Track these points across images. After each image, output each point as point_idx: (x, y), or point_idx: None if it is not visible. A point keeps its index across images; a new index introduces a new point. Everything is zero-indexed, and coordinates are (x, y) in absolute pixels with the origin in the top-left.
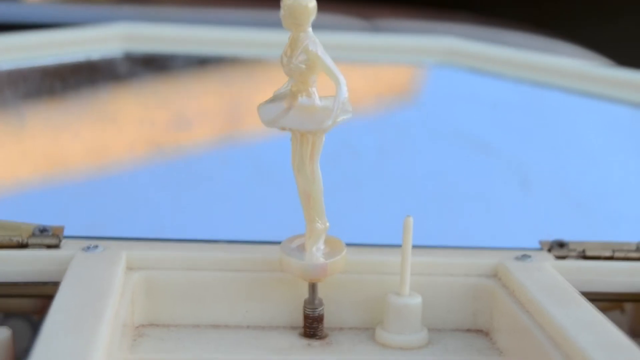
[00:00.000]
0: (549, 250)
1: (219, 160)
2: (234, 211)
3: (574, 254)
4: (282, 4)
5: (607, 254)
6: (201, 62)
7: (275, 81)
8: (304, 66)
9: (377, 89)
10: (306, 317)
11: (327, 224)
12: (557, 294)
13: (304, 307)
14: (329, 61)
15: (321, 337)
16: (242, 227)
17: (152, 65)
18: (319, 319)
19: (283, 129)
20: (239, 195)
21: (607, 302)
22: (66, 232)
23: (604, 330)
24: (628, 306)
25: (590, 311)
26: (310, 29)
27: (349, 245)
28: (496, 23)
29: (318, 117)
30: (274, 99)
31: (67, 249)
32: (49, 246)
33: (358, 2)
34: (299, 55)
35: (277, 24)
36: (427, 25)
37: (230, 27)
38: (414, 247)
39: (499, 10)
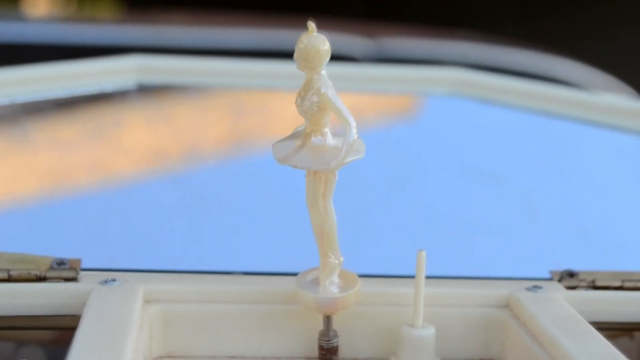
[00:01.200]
0: (560, 280)
1: (233, 191)
2: (249, 242)
3: (584, 284)
4: (296, 47)
5: (617, 283)
6: (213, 93)
7: (288, 112)
8: (315, 108)
9: (385, 119)
10: (321, 348)
11: (341, 259)
12: (569, 325)
13: (319, 338)
14: (339, 104)
15: None
16: (258, 259)
17: (164, 95)
18: (334, 350)
19: (295, 166)
20: (254, 226)
21: (617, 330)
22: (83, 263)
23: None
24: (637, 334)
25: (603, 343)
26: (323, 72)
27: (362, 276)
28: (498, 40)
29: (327, 157)
30: (289, 137)
31: (85, 282)
32: (67, 279)
33: (363, 22)
34: (311, 97)
35: (281, 43)
36: (431, 44)
37: (244, 49)
38: (426, 277)
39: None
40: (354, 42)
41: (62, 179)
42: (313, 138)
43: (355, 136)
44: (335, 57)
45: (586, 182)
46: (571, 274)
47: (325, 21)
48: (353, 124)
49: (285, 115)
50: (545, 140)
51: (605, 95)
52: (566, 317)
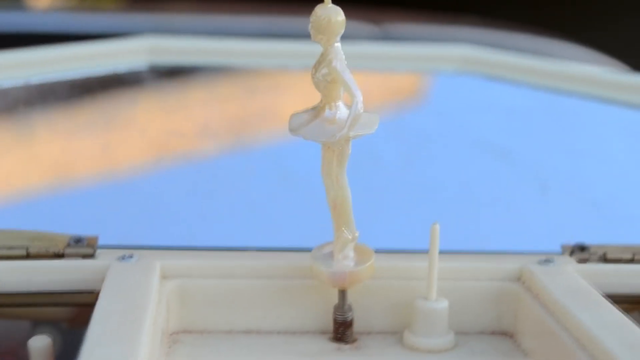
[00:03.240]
0: (571, 254)
1: (244, 167)
2: (265, 219)
3: (595, 257)
4: (311, 17)
5: (628, 256)
6: (225, 73)
7: (299, 90)
8: (325, 80)
9: (394, 97)
10: (336, 322)
11: (356, 233)
12: (581, 296)
13: (334, 312)
14: (347, 76)
15: (350, 342)
16: (274, 234)
17: (176, 76)
18: (349, 324)
19: (303, 137)
20: (270, 202)
21: (629, 304)
22: (100, 242)
23: (630, 332)
24: None
25: (615, 313)
26: (337, 44)
27: (377, 251)
28: (503, 26)
29: (334, 130)
30: (308, 110)
31: (102, 258)
32: (85, 256)
33: (367, 8)
34: (322, 69)
35: (287, 31)
36: (436, 29)
37: (250, 37)
38: (440, 252)
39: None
40: (358, 28)
41: (77, 162)
42: (327, 111)
43: (361, 110)
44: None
45: (596, 156)
46: (582, 248)
47: None
48: (359, 97)
49: (298, 93)
50: (554, 116)
51: (610, 70)
52: (578, 289)
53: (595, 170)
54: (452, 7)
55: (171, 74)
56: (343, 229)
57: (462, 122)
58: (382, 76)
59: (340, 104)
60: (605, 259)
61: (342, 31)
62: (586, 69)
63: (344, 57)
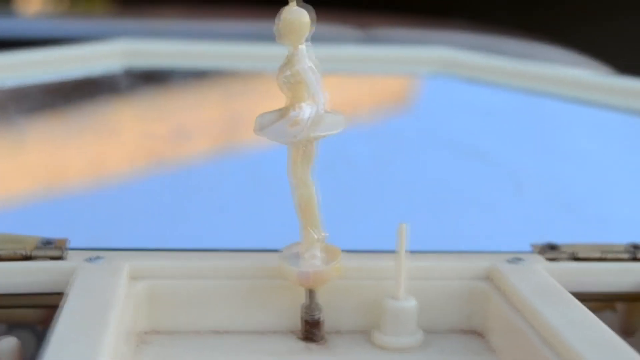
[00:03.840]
0: (541, 252)
1: (218, 171)
2: (234, 220)
3: (564, 256)
4: (276, 20)
5: (597, 255)
6: (200, 76)
7: (274, 94)
8: (289, 81)
9: (373, 98)
10: (304, 321)
11: (324, 233)
12: (549, 295)
13: (303, 312)
14: (310, 78)
15: (319, 341)
16: (243, 236)
17: (152, 79)
18: (317, 324)
19: (267, 138)
20: (239, 204)
21: (598, 302)
22: (70, 245)
23: (596, 330)
24: (619, 306)
25: (582, 311)
26: (302, 46)
27: (346, 251)
28: (491, 30)
29: (295, 131)
30: (275, 110)
31: (71, 260)
32: (53, 258)
33: (354, 12)
34: (286, 71)
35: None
36: (422, 33)
37: (228, 40)
38: (409, 252)
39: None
40: (344, 32)
41: (50, 166)
42: (291, 112)
43: (323, 111)
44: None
45: (571, 157)
46: (552, 247)
47: (315, 11)
48: (321, 99)
49: (274, 96)
50: (531, 118)
51: (588, 73)
52: (546, 287)
53: (569, 171)
54: (439, 10)
55: (147, 77)
56: (310, 229)
57: (438, 123)
58: (360, 78)
59: (305, 105)
60: (574, 258)
61: (308, 33)
62: (563, 70)
63: (308, 59)
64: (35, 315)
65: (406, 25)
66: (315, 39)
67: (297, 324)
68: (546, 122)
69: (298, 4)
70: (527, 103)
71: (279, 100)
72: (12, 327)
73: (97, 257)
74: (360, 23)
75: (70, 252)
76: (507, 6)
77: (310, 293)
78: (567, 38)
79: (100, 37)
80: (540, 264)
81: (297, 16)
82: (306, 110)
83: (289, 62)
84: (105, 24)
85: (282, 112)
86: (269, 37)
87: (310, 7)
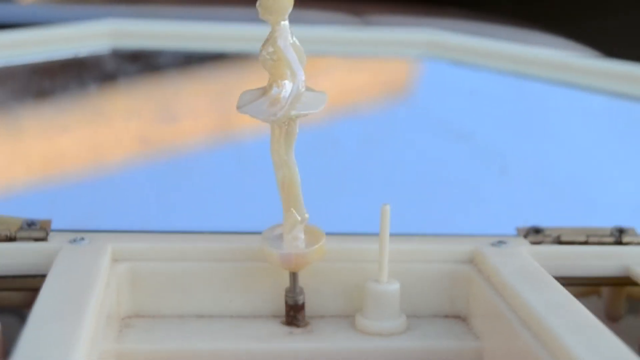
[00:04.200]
0: (525, 236)
1: (205, 154)
2: (221, 203)
3: (549, 239)
4: None
5: (582, 239)
6: (188, 58)
7: (263, 75)
8: (271, 58)
9: (360, 81)
10: (287, 305)
11: (306, 215)
12: (530, 278)
13: (285, 295)
14: (290, 55)
15: (302, 325)
16: (228, 219)
17: (139, 61)
18: (300, 307)
19: (248, 115)
20: (226, 187)
21: (582, 286)
22: (54, 226)
23: (575, 312)
24: (605, 291)
25: (562, 294)
26: (285, 22)
27: (329, 234)
28: (484, 17)
29: (275, 108)
30: (257, 89)
31: (54, 241)
32: (37, 239)
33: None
34: (268, 47)
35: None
36: (416, 20)
37: (217, 22)
38: (393, 235)
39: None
40: (340, 19)
41: (37, 147)
42: (273, 89)
43: (302, 89)
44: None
45: (558, 140)
46: (537, 230)
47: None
48: (300, 77)
49: (264, 77)
50: (518, 100)
51: (573, 55)
52: (528, 270)
53: (555, 154)
54: None
55: (134, 58)
56: (292, 209)
57: (425, 105)
58: (347, 60)
59: (287, 82)
60: (559, 241)
61: (290, 9)
62: (549, 53)
63: (289, 35)
64: (19, 298)
65: (400, 13)
66: (310, 23)
67: (281, 307)
68: (532, 104)
69: None
70: (514, 85)
71: (263, 79)
72: None
73: (80, 239)
74: (355, 10)
75: (54, 233)
76: None
77: (293, 276)
78: (565, 28)
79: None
80: (524, 247)
81: None
82: (287, 88)
83: (270, 38)
84: (99, 9)
85: (265, 90)
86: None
87: None
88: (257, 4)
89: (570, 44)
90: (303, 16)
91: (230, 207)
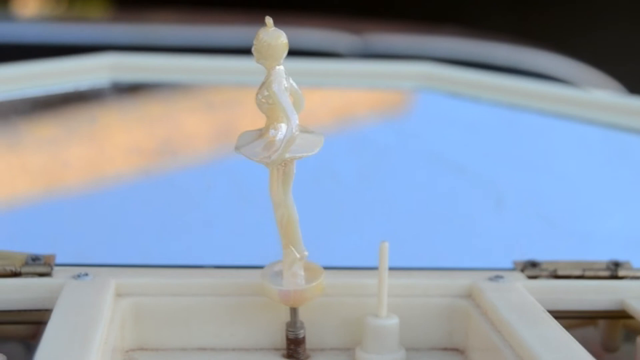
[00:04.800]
0: (522, 270)
1: (205, 184)
2: (220, 236)
3: (545, 273)
4: (254, 40)
5: (578, 272)
6: (187, 90)
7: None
8: (267, 102)
9: (355, 112)
10: (288, 339)
11: (305, 252)
12: (526, 313)
13: (286, 329)
14: (283, 100)
15: (303, 358)
16: (228, 252)
17: (139, 93)
18: (301, 341)
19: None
20: (225, 220)
21: (577, 319)
22: (57, 260)
23: (568, 349)
24: (601, 322)
25: (557, 330)
26: (280, 67)
27: (328, 268)
28: (484, 36)
29: (271, 151)
30: (255, 130)
31: (58, 277)
32: (41, 274)
33: (348, 18)
34: (263, 91)
35: None
36: (416, 39)
37: (222, 44)
38: (391, 269)
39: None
40: (339, 38)
41: (38, 179)
42: (270, 131)
43: (296, 133)
44: (321, 54)
45: (553, 173)
46: (534, 264)
47: (311, 18)
48: (294, 121)
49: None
50: (513, 132)
51: (567, 87)
52: (524, 305)
53: (551, 187)
54: (434, 17)
55: (133, 90)
56: (291, 247)
57: (420, 138)
58: (342, 92)
59: (283, 125)
60: (555, 275)
61: (285, 54)
62: (544, 85)
63: (283, 80)
64: (25, 330)
65: (402, 32)
66: (311, 43)
67: (282, 340)
68: (528, 137)
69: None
70: (509, 117)
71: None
72: (3, 342)
73: (84, 274)
74: (355, 29)
75: (57, 268)
76: (503, 12)
77: (293, 311)
78: (561, 44)
79: (97, 42)
80: (520, 282)
81: (274, 38)
82: (283, 131)
83: (266, 82)
84: (102, 28)
85: (262, 132)
86: None
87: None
88: (253, 49)
89: (565, 60)
90: (303, 35)
91: (230, 239)
